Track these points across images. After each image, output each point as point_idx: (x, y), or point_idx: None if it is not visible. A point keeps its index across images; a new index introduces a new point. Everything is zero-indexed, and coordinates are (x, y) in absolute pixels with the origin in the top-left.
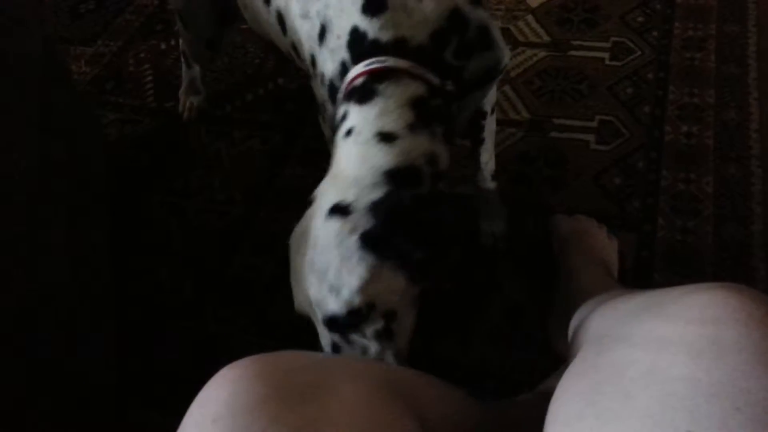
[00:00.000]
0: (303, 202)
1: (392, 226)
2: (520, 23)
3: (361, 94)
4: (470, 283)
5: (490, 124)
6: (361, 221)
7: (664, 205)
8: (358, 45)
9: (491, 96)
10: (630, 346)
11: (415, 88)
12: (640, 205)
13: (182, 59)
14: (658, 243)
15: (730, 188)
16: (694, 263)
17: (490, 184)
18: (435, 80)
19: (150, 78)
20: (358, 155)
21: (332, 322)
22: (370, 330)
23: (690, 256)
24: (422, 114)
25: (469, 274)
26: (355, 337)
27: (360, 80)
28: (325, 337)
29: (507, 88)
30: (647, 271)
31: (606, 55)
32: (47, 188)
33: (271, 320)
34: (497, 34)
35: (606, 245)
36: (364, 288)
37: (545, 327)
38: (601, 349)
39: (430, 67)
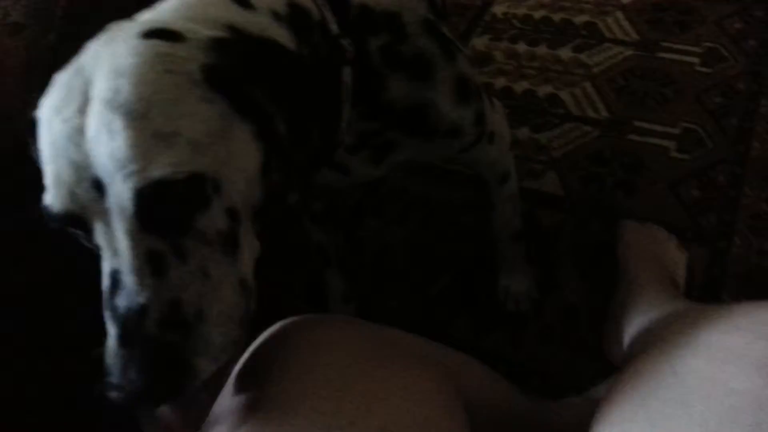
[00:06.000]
0: None
1: (252, 71)
2: (609, 19)
3: None
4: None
5: (503, 192)
6: (199, 53)
7: (742, 223)
8: None
9: (497, 166)
10: (693, 355)
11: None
12: (716, 220)
13: None
14: (730, 262)
15: None
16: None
17: (508, 245)
18: (333, 27)
19: None
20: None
21: (157, 196)
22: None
23: (764, 280)
24: (296, 17)
25: None
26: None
27: None
28: (129, 247)
29: (587, 84)
30: (715, 289)
31: (696, 60)
32: None
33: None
34: (452, 82)
35: (675, 256)
36: (213, 138)
37: (600, 332)
38: (661, 355)
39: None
